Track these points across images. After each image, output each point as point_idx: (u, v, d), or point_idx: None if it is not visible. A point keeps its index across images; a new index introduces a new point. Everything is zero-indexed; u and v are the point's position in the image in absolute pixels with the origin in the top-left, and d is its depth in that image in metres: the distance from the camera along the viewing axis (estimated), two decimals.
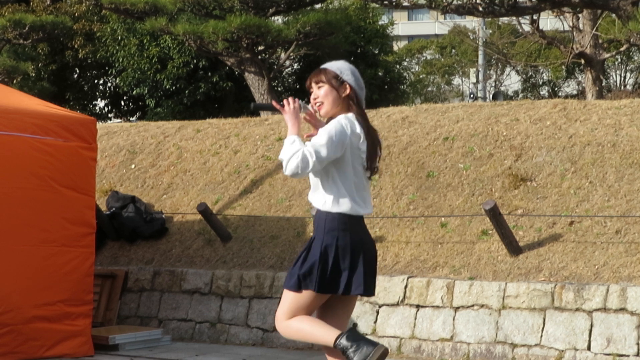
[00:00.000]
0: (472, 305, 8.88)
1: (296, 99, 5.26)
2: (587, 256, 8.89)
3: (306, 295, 5.25)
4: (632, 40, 14.51)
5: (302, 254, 5.32)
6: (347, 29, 24.03)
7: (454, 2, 13.40)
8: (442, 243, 9.75)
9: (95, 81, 30.19)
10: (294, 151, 5.07)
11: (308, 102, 5.43)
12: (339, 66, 5.32)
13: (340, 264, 5.24)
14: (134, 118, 29.64)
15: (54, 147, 9.25)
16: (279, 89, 27.87)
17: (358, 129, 5.21)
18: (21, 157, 9.00)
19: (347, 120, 5.20)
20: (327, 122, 5.32)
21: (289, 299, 5.28)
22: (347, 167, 5.23)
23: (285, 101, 5.25)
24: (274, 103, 5.29)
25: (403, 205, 10.42)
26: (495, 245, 9.40)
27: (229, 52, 17.24)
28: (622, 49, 20.85)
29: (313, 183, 5.32)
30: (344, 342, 5.06)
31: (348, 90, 5.27)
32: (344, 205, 5.23)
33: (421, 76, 45.94)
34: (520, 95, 39.81)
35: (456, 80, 47.74)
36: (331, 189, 5.23)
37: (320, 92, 5.27)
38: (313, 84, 5.33)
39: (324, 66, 5.36)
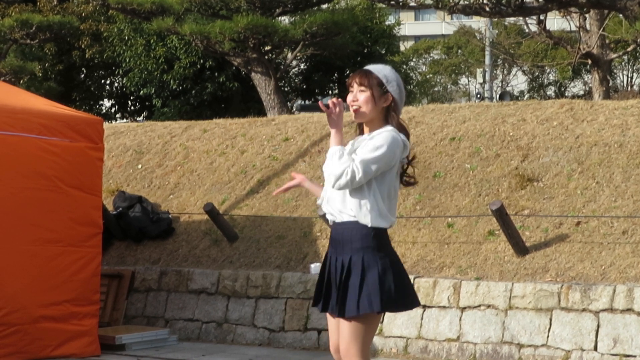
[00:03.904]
0: (479, 306, 8.88)
1: (340, 100, 5.05)
2: (594, 256, 8.88)
3: (378, 318, 5.14)
4: (639, 40, 14.49)
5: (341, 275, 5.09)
6: (354, 29, 24.01)
7: (461, 2, 13.38)
8: (449, 243, 9.74)
9: (102, 81, 30.23)
10: (344, 168, 4.91)
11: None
12: (385, 74, 5.12)
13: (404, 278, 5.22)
14: (140, 118, 29.66)
15: (60, 147, 9.26)
16: (286, 89, 27.87)
17: (407, 144, 5.12)
18: (28, 157, 9.02)
19: (397, 134, 5.05)
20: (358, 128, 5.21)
21: (361, 328, 5.04)
22: (387, 179, 5.09)
23: (330, 102, 5.01)
24: (320, 104, 5.07)
25: (409, 205, 10.41)
26: (502, 246, 9.39)
27: (235, 52, 17.25)
28: (629, 49, 20.79)
29: (341, 192, 5.09)
30: None
31: (389, 102, 5.11)
32: (385, 219, 5.10)
33: (428, 76, 45.94)
34: (527, 96, 39.81)
35: (463, 81, 47.74)
36: (372, 201, 5.05)
37: (361, 98, 5.07)
38: (355, 84, 5.11)
39: (370, 69, 5.15)
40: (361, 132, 5.22)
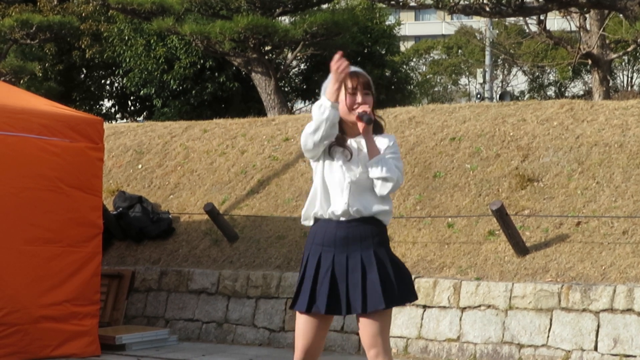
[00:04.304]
0: (479, 306, 8.88)
1: (369, 109, 5.14)
2: (594, 257, 8.88)
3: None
4: (639, 40, 14.49)
5: (383, 268, 5.13)
6: (354, 29, 24.01)
7: (461, 2, 13.39)
8: (449, 243, 9.74)
9: (102, 81, 30.22)
10: (398, 174, 5.07)
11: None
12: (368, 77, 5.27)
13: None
14: (140, 118, 29.66)
15: (60, 147, 9.26)
16: (286, 89, 27.87)
17: None
18: (28, 157, 9.02)
19: None
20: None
21: (389, 321, 5.17)
22: None
23: (364, 111, 5.08)
24: (370, 114, 5.13)
25: (410, 205, 10.41)
26: (502, 246, 9.39)
27: (235, 52, 17.26)
28: (629, 49, 20.82)
29: (372, 191, 5.16)
30: None
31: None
32: None
33: (428, 76, 45.94)
34: (527, 96, 39.81)
35: (463, 81, 47.74)
36: (390, 201, 5.25)
37: (368, 100, 5.16)
38: (359, 87, 5.16)
39: (364, 73, 5.25)
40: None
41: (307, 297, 5.12)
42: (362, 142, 5.16)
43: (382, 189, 5.07)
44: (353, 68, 5.19)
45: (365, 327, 5.08)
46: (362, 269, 5.08)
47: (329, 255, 5.14)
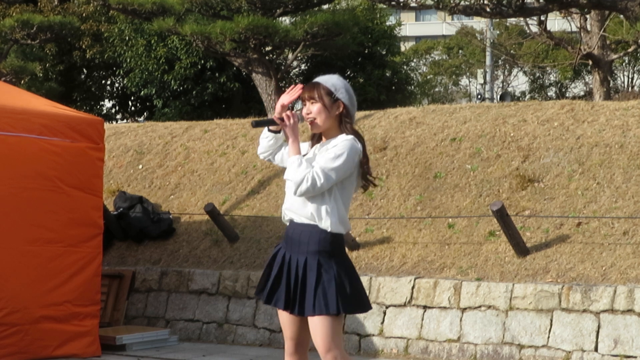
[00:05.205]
0: (479, 306, 8.88)
1: (294, 112, 5.22)
2: (595, 257, 8.88)
3: (340, 319, 5.24)
4: (639, 41, 14.48)
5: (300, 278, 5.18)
6: (355, 29, 23.99)
7: (462, 2, 13.38)
8: (450, 244, 9.74)
9: (103, 81, 30.22)
10: (304, 175, 5.04)
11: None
12: (333, 82, 5.26)
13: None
14: (141, 118, 29.66)
15: (61, 147, 9.26)
16: (287, 89, 27.84)
17: (362, 149, 5.23)
18: (28, 157, 9.02)
19: (356, 142, 5.17)
20: (315, 136, 5.33)
21: (333, 324, 5.16)
22: (348, 186, 5.22)
23: (284, 115, 5.20)
24: (274, 118, 5.26)
25: (410, 206, 10.42)
26: (503, 246, 9.39)
27: (236, 52, 17.24)
28: (629, 50, 20.81)
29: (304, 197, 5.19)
30: None
31: (341, 109, 5.23)
32: (344, 225, 5.23)
33: (428, 77, 45.93)
34: (528, 96, 39.79)
35: (463, 81, 47.72)
36: (333, 207, 5.17)
37: (314, 109, 5.22)
38: (306, 96, 5.27)
39: (317, 80, 5.30)
40: (319, 140, 5.35)
41: (267, 290, 5.32)
42: (321, 147, 5.24)
43: (290, 189, 5.15)
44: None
45: (311, 328, 5.23)
46: (296, 271, 5.19)
47: (281, 251, 5.30)
